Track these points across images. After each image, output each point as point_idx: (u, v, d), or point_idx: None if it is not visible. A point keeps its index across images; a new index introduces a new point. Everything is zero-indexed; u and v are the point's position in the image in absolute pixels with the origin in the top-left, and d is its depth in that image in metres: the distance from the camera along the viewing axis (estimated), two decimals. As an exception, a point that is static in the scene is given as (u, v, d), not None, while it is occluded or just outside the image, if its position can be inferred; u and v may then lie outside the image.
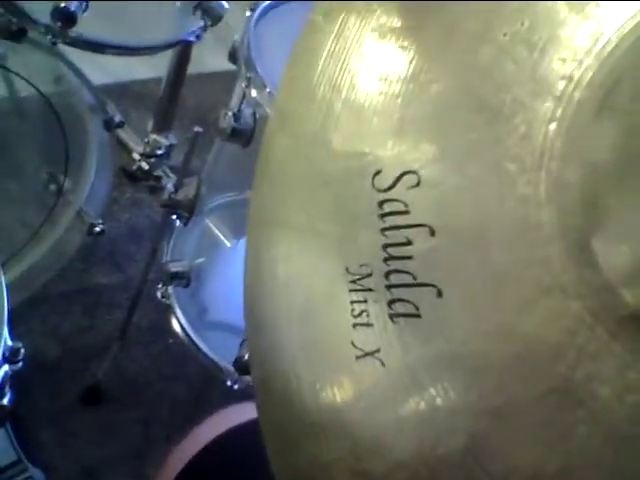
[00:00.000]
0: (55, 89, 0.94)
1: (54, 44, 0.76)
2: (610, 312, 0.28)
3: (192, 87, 1.46)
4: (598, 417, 0.28)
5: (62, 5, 0.74)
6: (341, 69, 0.37)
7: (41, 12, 0.77)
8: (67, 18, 0.74)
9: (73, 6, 0.74)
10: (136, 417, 1.21)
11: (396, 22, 0.35)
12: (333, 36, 0.37)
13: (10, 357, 0.54)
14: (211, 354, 0.94)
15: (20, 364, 0.54)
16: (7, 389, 0.55)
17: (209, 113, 1.48)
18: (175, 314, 0.96)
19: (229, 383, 0.91)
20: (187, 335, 0.95)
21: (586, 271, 0.28)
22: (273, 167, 0.39)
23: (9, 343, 0.54)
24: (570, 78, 0.29)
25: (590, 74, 0.29)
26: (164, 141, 1.14)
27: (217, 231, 1.14)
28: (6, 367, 0.55)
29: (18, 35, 0.79)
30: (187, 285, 0.94)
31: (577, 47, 0.30)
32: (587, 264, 0.28)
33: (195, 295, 1.06)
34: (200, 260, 1.03)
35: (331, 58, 0.37)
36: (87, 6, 0.76)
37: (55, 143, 0.97)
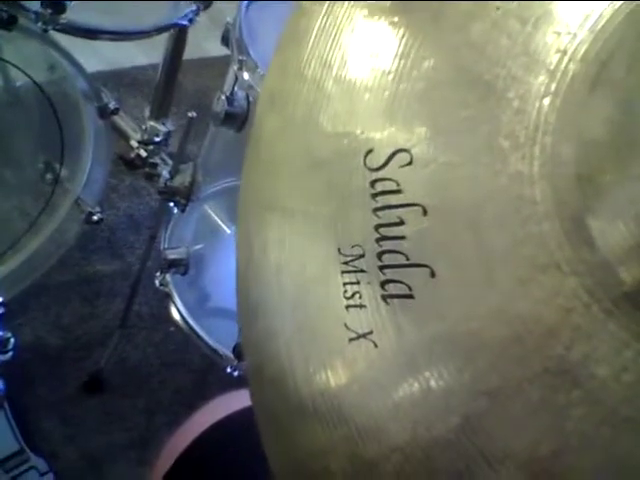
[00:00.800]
0: (49, 77, 0.93)
1: (45, 31, 0.75)
2: (606, 290, 0.27)
3: (190, 73, 1.45)
4: (595, 398, 0.27)
5: (51, -8, 0.73)
6: (331, 46, 0.36)
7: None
8: (57, 5, 0.73)
9: (62, -7, 0.73)
10: (138, 405, 1.21)
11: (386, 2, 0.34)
12: (323, 14, 0.37)
13: (0, 346, 0.53)
14: (210, 341, 0.94)
15: (10, 354, 0.54)
16: (-1, 377, 0.55)
17: (207, 98, 1.47)
18: (174, 302, 0.96)
19: (229, 370, 0.91)
20: (186, 323, 0.94)
21: (582, 248, 0.27)
22: (263, 149, 0.39)
23: (-1, 332, 0.54)
24: (564, 52, 0.29)
25: (584, 47, 0.28)
26: (161, 128, 1.13)
27: (216, 217, 1.13)
28: (-4, 357, 0.55)
29: (8, 23, 0.78)
30: (185, 273, 0.93)
31: (571, 20, 0.29)
32: (583, 241, 0.27)
33: (195, 282, 1.06)
34: (198, 247, 1.02)
35: (321, 36, 0.36)
36: (76, -8, 0.75)
37: (50, 132, 0.96)
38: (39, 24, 0.75)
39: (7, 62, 0.88)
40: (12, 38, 0.85)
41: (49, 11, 0.73)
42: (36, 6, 0.75)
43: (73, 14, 0.80)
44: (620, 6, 0.28)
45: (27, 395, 1.16)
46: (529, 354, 0.29)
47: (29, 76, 0.89)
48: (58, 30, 0.78)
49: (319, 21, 0.37)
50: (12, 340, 0.55)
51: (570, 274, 0.28)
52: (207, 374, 1.23)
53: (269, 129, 0.39)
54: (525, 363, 0.29)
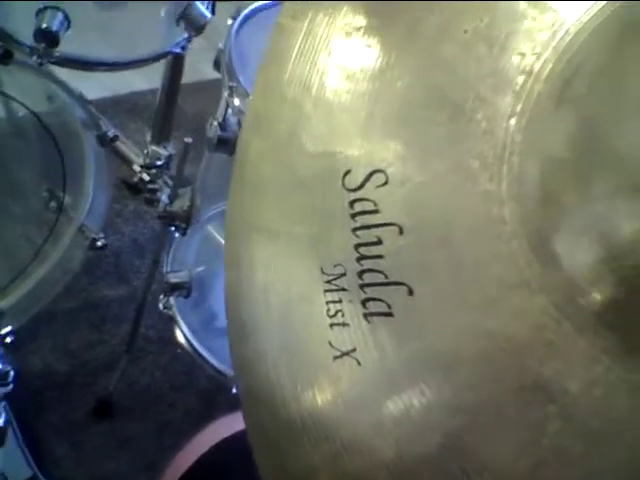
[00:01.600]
0: (48, 107, 0.95)
1: (41, 65, 0.76)
2: (575, 307, 0.28)
3: (190, 96, 1.47)
4: (568, 412, 0.28)
5: (43, 26, 0.74)
6: (310, 69, 0.37)
7: (26, 33, 0.77)
8: (49, 39, 0.74)
9: (54, 26, 0.74)
10: (148, 428, 1.21)
11: (362, 21, 0.35)
12: (302, 36, 0.37)
13: (0, 379, 0.54)
14: (215, 363, 0.94)
15: (10, 386, 0.55)
16: (1, 410, 0.56)
17: (207, 122, 1.49)
18: (178, 324, 0.96)
19: (234, 390, 0.91)
20: (190, 345, 0.95)
21: (549, 267, 0.28)
22: (248, 170, 0.40)
23: (-1, 366, 0.55)
24: (529, 72, 0.29)
25: (549, 67, 0.29)
26: (163, 152, 1.14)
27: (219, 237, 1.14)
28: (-5, 390, 0.56)
29: (4, 57, 0.80)
30: (188, 295, 0.94)
31: (536, 40, 0.30)
32: (550, 260, 0.28)
33: (199, 303, 1.06)
34: (201, 269, 1.03)
35: (300, 58, 0.37)
36: (69, 25, 0.76)
37: (52, 161, 0.98)
38: (34, 58, 0.77)
39: (6, 95, 0.89)
40: (11, 70, 0.87)
41: (42, 45, 0.75)
42: (30, 40, 0.77)
43: (69, 43, 0.81)
44: (585, 23, 0.29)
45: (38, 421, 1.17)
46: (504, 371, 0.29)
47: (27, 107, 0.91)
48: (53, 63, 0.80)
49: (298, 42, 0.38)
50: (12, 373, 0.56)
51: (539, 292, 0.28)
52: (215, 395, 1.23)
53: (253, 150, 0.39)
54: (501, 379, 0.29)
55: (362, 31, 0.34)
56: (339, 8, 0.35)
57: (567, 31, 0.29)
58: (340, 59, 0.36)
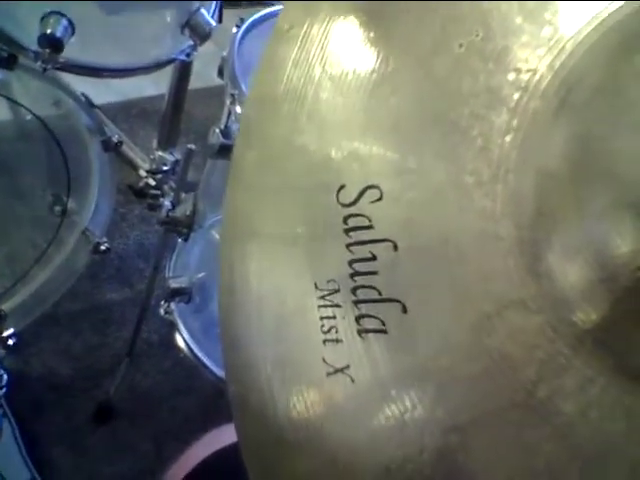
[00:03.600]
0: (55, 112, 0.95)
1: (45, 70, 0.76)
2: (570, 326, 0.27)
3: (198, 101, 1.47)
4: (562, 433, 0.28)
5: (48, 32, 0.74)
6: (305, 80, 0.37)
7: (32, 39, 0.78)
8: (54, 44, 0.74)
9: (59, 32, 0.74)
10: (148, 433, 1.21)
11: (357, 32, 0.35)
12: (297, 46, 0.37)
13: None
14: (216, 368, 0.94)
15: (4, 390, 0.55)
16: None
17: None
18: (178, 330, 0.96)
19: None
20: (191, 350, 0.95)
21: (544, 284, 0.28)
22: (243, 179, 0.39)
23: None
24: (525, 89, 0.29)
25: (544, 83, 0.29)
26: (169, 157, 1.15)
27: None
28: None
29: (9, 62, 0.80)
30: (189, 301, 0.94)
31: (532, 56, 0.29)
32: (545, 277, 0.28)
33: (201, 308, 1.06)
34: (203, 274, 1.03)
35: (295, 68, 0.37)
36: (73, 31, 0.76)
37: (57, 165, 0.99)
38: (38, 63, 0.77)
39: (13, 100, 0.90)
40: (18, 76, 0.87)
41: (47, 50, 0.75)
42: (35, 45, 0.77)
43: (74, 48, 0.81)
44: (581, 40, 0.29)
45: (38, 424, 1.17)
46: (498, 389, 0.29)
47: (33, 113, 0.91)
48: (58, 69, 0.80)
49: (294, 53, 0.37)
50: (5, 377, 0.56)
51: (535, 311, 0.28)
52: (216, 401, 1.23)
53: (248, 160, 0.39)
54: (495, 398, 0.29)
55: (357, 43, 0.34)
56: (335, 19, 0.35)
57: (563, 48, 0.29)
58: (335, 72, 0.35)
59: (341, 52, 0.35)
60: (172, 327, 1.04)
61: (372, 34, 0.34)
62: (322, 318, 0.35)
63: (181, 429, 1.22)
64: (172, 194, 0.97)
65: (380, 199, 0.33)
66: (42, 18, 0.78)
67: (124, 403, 1.21)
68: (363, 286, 0.33)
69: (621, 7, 0.27)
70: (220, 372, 0.96)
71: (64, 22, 0.78)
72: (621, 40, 0.27)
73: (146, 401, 1.24)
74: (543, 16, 0.29)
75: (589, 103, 0.28)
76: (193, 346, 0.95)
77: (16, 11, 0.86)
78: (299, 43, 0.36)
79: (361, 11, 0.34)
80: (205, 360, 0.96)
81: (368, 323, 0.33)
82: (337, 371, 0.34)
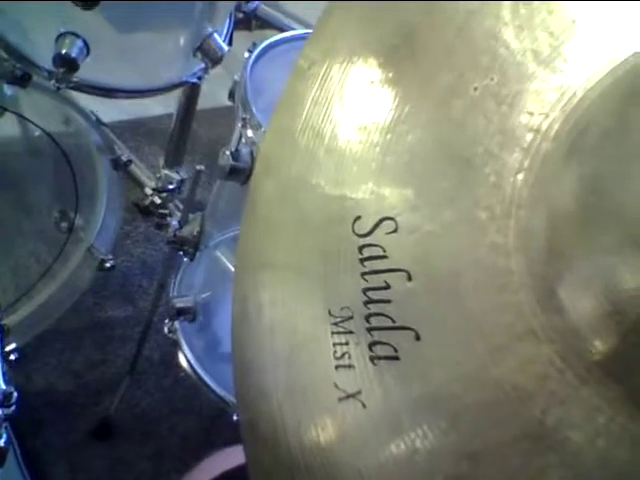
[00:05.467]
0: (65, 130, 0.97)
1: (58, 89, 0.78)
2: (579, 357, 0.28)
3: (204, 122, 1.49)
4: (570, 462, 0.28)
5: (63, 51, 0.76)
6: (324, 118, 0.38)
7: (45, 57, 0.79)
8: (69, 64, 0.76)
9: (74, 52, 0.76)
10: (147, 452, 1.21)
11: (375, 73, 0.36)
12: (317, 85, 0.39)
13: (3, 401, 0.54)
14: (217, 389, 0.94)
15: (13, 407, 0.55)
16: (2, 431, 0.56)
17: (221, 147, 1.50)
18: (181, 349, 0.97)
19: (235, 418, 0.91)
20: (193, 370, 0.95)
21: (555, 317, 0.29)
22: (259, 211, 0.41)
23: (3, 387, 0.55)
24: (537, 130, 0.30)
25: (556, 127, 0.30)
26: (175, 176, 1.16)
27: (227, 262, 1.15)
28: (-1, 411, 0.56)
29: (23, 80, 0.81)
30: (193, 320, 0.95)
31: (544, 101, 0.31)
32: (556, 310, 0.29)
33: (205, 327, 1.07)
34: (207, 294, 1.04)
35: (314, 106, 0.38)
36: (88, 52, 0.78)
37: (66, 182, 1.00)
38: (52, 82, 0.78)
39: (23, 117, 0.91)
40: (29, 93, 0.89)
41: (61, 69, 0.76)
42: (49, 64, 0.78)
43: (89, 70, 0.83)
44: (593, 86, 0.30)
45: (37, 440, 1.17)
46: (508, 418, 0.30)
47: (44, 130, 0.93)
48: (71, 88, 0.81)
49: (313, 91, 0.39)
50: (15, 395, 0.56)
51: (545, 342, 0.29)
52: (216, 421, 1.23)
53: (264, 193, 0.41)
54: (505, 427, 0.30)
55: (376, 84, 0.35)
56: (354, 60, 0.36)
57: (574, 93, 0.30)
58: (353, 110, 0.37)
59: (360, 91, 0.36)
60: (174, 345, 1.05)
61: (390, 75, 0.35)
62: (335, 344, 0.36)
63: (180, 448, 1.22)
64: (179, 213, 0.98)
65: (395, 231, 0.34)
66: (57, 38, 0.80)
67: (124, 421, 1.21)
68: (377, 313, 0.34)
69: (631, 56, 0.29)
70: (222, 392, 0.96)
71: (79, 43, 0.79)
72: (631, 87, 0.29)
73: (146, 419, 1.24)
74: (555, 63, 0.31)
75: (599, 146, 0.29)
76: (196, 366, 0.96)
77: (30, 29, 0.88)
78: (319, 82, 0.38)
79: (380, 53, 0.36)
80: (207, 380, 0.96)
81: (381, 350, 0.34)
82: (349, 396, 0.35)
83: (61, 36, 0.79)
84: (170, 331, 0.99)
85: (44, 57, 0.81)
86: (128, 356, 1.23)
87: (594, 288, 0.28)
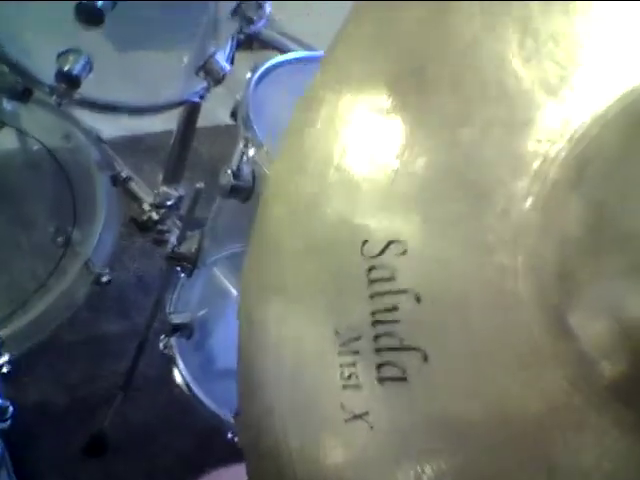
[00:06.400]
0: (64, 145, 0.97)
1: (60, 105, 0.78)
2: (588, 382, 0.29)
3: (205, 139, 1.50)
4: (577, 485, 0.29)
5: (65, 68, 0.76)
6: (333, 142, 0.39)
7: (47, 73, 0.79)
8: (71, 80, 0.76)
9: (76, 69, 0.76)
10: (140, 468, 1.21)
11: (384, 101, 0.37)
12: (327, 111, 0.39)
13: (-1, 415, 0.54)
14: (213, 407, 0.94)
15: (8, 422, 0.55)
16: (-2, 445, 0.56)
17: (221, 165, 1.51)
18: (177, 366, 0.97)
19: (230, 436, 0.91)
20: (188, 387, 0.95)
21: (563, 341, 0.29)
22: (267, 234, 0.41)
23: (-2, 402, 0.55)
24: (545, 157, 0.31)
25: (564, 154, 0.31)
26: (173, 192, 1.16)
27: (224, 280, 1.15)
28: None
29: (24, 95, 0.82)
30: (189, 337, 0.95)
31: (552, 128, 0.31)
32: (565, 335, 0.29)
33: (201, 344, 1.07)
34: (203, 311, 1.04)
35: (325, 131, 0.39)
36: (91, 68, 0.78)
37: (64, 197, 1.00)
38: (53, 97, 0.78)
39: (23, 132, 0.92)
40: (29, 108, 0.89)
41: (63, 86, 0.76)
42: (51, 80, 0.78)
43: (91, 86, 0.83)
44: (600, 114, 0.31)
45: (30, 455, 1.16)
46: (515, 442, 0.30)
47: (43, 144, 0.93)
48: (72, 104, 0.82)
49: (323, 116, 0.39)
50: (10, 409, 0.56)
51: (552, 365, 0.29)
52: (211, 438, 1.23)
53: (273, 216, 0.41)
54: (512, 451, 0.30)
55: (384, 111, 0.36)
56: (364, 88, 0.37)
57: (582, 122, 0.31)
58: (362, 137, 0.37)
59: (369, 118, 0.37)
60: (169, 362, 1.04)
61: (399, 102, 0.36)
62: (342, 365, 0.36)
63: (174, 466, 1.21)
64: (177, 230, 0.99)
65: (404, 253, 0.34)
66: (60, 54, 0.80)
67: (117, 437, 1.20)
68: (385, 334, 0.35)
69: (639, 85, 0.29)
70: (217, 410, 0.96)
71: (82, 60, 0.80)
72: (636, 118, 0.29)
73: (139, 436, 1.24)
74: (563, 91, 0.31)
75: (606, 173, 0.30)
76: (191, 383, 0.96)
77: (32, 45, 0.88)
78: (328, 108, 0.38)
79: (389, 81, 0.36)
80: (202, 397, 0.96)
81: (389, 371, 0.34)
82: (356, 417, 0.35)
83: (64, 53, 0.80)
84: (166, 347, 0.99)
85: (46, 73, 0.81)
86: (123, 371, 1.22)
87: (604, 312, 0.28)
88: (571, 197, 0.30)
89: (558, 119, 0.31)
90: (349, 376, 0.36)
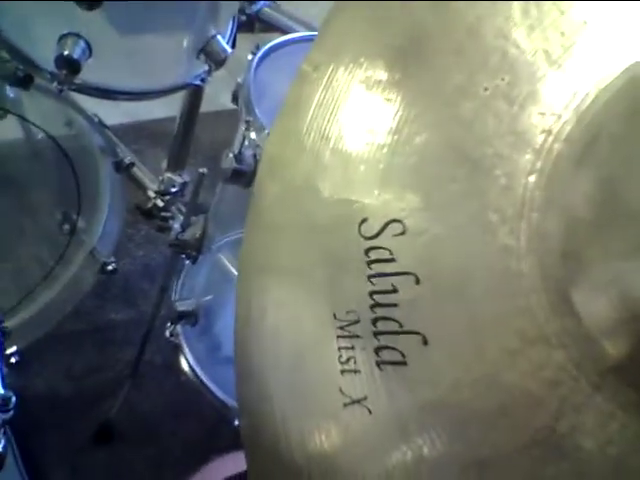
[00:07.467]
0: (67, 132, 0.96)
1: (61, 91, 0.77)
2: (593, 363, 0.28)
3: (207, 125, 1.48)
4: (581, 470, 0.28)
5: (65, 53, 0.75)
6: (330, 119, 0.37)
7: (47, 59, 0.78)
8: (71, 66, 0.75)
9: (76, 54, 0.75)
10: (148, 456, 1.20)
11: (382, 75, 0.36)
12: (322, 87, 0.38)
13: (2, 405, 0.54)
14: (219, 393, 0.94)
15: (11, 412, 0.55)
16: (1, 436, 0.55)
17: (223, 150, 1.50)
18: (183, 353, 0.96)
19: (237, 422, 0.91)
20: (195, 374, 0.95)
21: (568, 321, 0.28)
22: (263, 214, 0.40)
23: (1, 392, 0.54)
24: (549, 132, 0.30)
25: (569, 128, 0.29)
26: (178, 179, 1.15)
27: (229, 265, 1.14)
28: (-3, 416, 0.55)
29: (25, 82, 0.81)
30: (195, 324, 0.94)
31: (556, 102, 0.30)
32: (569, 314, 0.28)
33: (207, 331, 1.06)
34: (209, 297, 1.03)
35: (320, 108, 0.38)
36: (91, 53, 0.77)
37: (68, 185, 0.99)
38: (54, 84, 0.77)
39: (25, 119, 0.91)
40: (31, 95, 0.88)
41: (64, 71, 0.75)
42: (51, 66, 0.77)
43: (92, 72, 0.82)
44: (606, 86, 0.30)
45: (38, 444, 1.17)
46: (518, 425, 0.29)
47: (46, 132, 0.92)
48: (74, 90, 0.81)
49: (319, 93, 0.38)
50: (14, 399, 0.55)
51: (558, 347, 0.28)
52: (218, 425, 1.22)
53: (268, 195, 0.40)
54: (514, 434, 0.29)
55: (382, 85, 0.35)
56: (361, 62, 0.36)
57: (587, 94, 0.30)
58: (359, 112, 0.36)
59: (366, 93, 0.36)
60: (175, 349, 1.04)
61: (398, 76, 0.35)
62: (340, 348, 0.35)
63: (181, 453, 1.21)
64: (181, 216, 0.98)
65: (403, 233, 0.33)
66: (60, 39, 0.79)
67: (125, 425, 1.20)
68: (384, 317, 0.34)
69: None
70: (223, 396, 0.95)
71: (82, 44, 0.78)
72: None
73: (147, 424, 1.23)
74: (567, 64, 0.30)
75: (613, 149, 0.28)
76: (197, 370, 0.95)
77: (32, 30, 0.87)
78: (324, 84, 0.37)
79: (387, 54, 0.35)
80: (209, 384, 0.95)
81: (388, 355, 0.33)
82: (354, 402, 0.34)
83: (63, 37, 0.78)
84: (172, 335, 0.98)
85: (46, 59, 0.80)
86: (129, 360, 1.22)
87: (608, 293, 0.27)
88: (577, 173, 0.29)
89: (563, 92, 0.30)
90: (347, 360, 0.35)
